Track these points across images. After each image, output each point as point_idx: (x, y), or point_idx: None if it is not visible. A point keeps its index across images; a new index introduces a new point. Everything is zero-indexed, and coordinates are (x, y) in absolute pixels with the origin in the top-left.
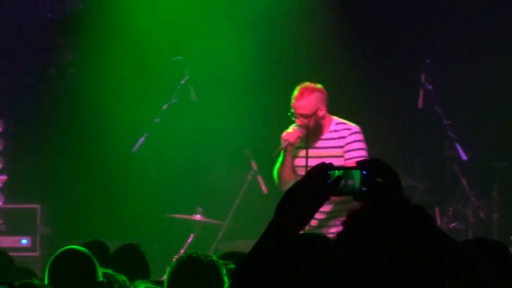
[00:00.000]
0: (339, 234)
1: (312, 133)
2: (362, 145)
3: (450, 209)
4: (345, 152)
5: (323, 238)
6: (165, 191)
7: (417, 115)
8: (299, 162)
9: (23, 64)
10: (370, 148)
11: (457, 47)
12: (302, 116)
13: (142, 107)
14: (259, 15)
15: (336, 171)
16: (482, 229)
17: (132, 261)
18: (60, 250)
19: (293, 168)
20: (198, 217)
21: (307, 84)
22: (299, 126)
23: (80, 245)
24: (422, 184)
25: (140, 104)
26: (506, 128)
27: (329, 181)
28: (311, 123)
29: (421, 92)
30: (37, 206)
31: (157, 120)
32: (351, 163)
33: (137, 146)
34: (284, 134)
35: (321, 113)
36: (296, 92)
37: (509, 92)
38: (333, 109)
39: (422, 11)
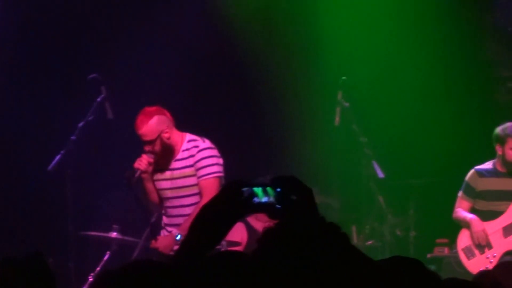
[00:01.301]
0: (254, 251)
1: (163, 156)
2: (212, 160)
3: (367, 227)
4: (196, 170)
5: (238, 256)
6: (81, 208)
7: (333, 133)
8: (158, 185)
9: None
10: (289, 165)
11: (372, 64)
12: (147, 142)
13: (58, 124)
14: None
15: (252, 188)
16: (399, 247)
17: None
18: None
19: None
20: (114, 234)
21: (146, 109)
22: (148, 152)
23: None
24: (338, 201)
25: (57, 121)
26: (422, 146)
27: (243, 198)
28: (157, 147)
29: (337, 110)
30: None
31: (73, 137)
32: (203, 181)
33: (53, 164)
34: (135, 162)
35: (166, 135)
36: (136, 121)
37: (425, 110)
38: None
39: (337, 29)
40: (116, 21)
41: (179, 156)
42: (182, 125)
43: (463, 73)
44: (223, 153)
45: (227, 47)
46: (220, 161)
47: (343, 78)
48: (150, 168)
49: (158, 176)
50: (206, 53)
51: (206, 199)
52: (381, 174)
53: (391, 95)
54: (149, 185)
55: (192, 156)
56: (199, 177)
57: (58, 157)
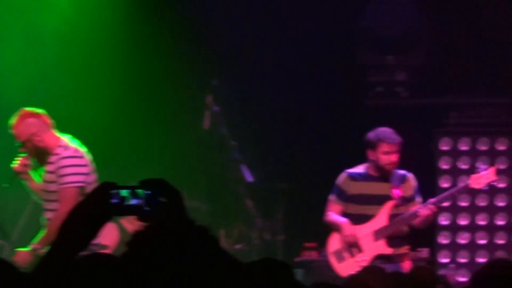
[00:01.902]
0: (123, 254)
1: (37, 159)
2: (72, 170)
3: (235, 230)
4: (57, 177)
5: (106, 258)
6: None
7: (202, 136)
8: (40, 186)
9: None
10: (158, 169)
11: (244, 68)
12: (21, 143)
13: None
14: None
15: (121, 190)
16: (267, 251)
17: None
18: None
19: None
20: None
21: (22, 111)
22: (22, 153)
23: None
24: (207, 205)
25: None
26: (290, 149)
27: (112, 200)
28: (29, 149)
29: (207, 114)
30: None
31: None
32: (61, 189)
33: None
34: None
35: (37, 138)
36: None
37: (295, 113)
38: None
39: (209, 31)
40: None
41: (50, 160)
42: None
43: (334, 77)
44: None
45: (99, 48)
46: (83, 170)
47: (214, 81)
48: (26, 169)
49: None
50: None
51: (62, 208)
52: (249, 178)
53: (261, 99)
54: (32, 185)
55: (56, 163)
56: (58, 185)
57: None
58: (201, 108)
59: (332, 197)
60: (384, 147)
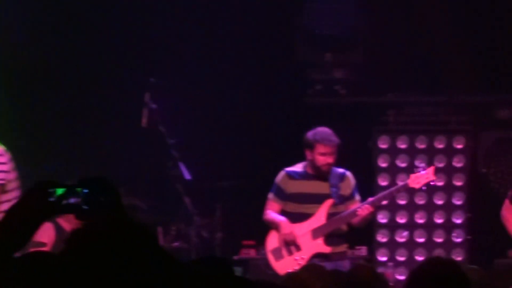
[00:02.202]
0: (61, 252)
1: None
2: None
3: (173, 228)
4: None
5: (44, 256)
6: None
7: (140, 134)
8: None
9: None
10: (96, 166)
11: (183, 66)
12: None
13: None
14: None
15: (58, 189)
16: (205, 249)
17: None
18: None
19: None
20: None
21: None
22: None
23: None
24: (145, 203)
25: None
26: (230, 147)
27: (50, 199)
28: None
29: (145, 111)
30: None
31: None
32: None
33: None
34: None
35: None
36: None
37: (232, 111)
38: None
39: (146, 29)
40: None
41: None
42: None
43: (273, 75)
44: (24, 154)
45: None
46: (2, 167)
47: (152, 79)
48: None
49: None
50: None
51: None
52: (187, 176)
53: (199, 97)
54: None
55: None
56: None
57: None
58: (139, 106)
59: (271, 196)
60: (321, 149)
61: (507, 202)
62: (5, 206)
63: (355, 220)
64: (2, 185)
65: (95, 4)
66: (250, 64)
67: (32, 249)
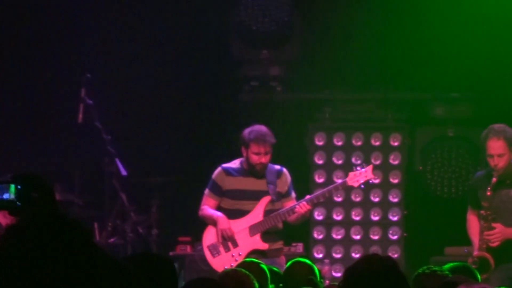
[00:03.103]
0: None
1: None
2: None
3: (109, 224)
4: None
5: None
6: None
7: (76, 129)
8: None
9: None
10: (31, 162)
11: (118, 62)
12: None
13: None
14: None
15: None
16: (141, 245)
17: None
18: None
19: None
20: None
21: None
22: None
23: None
24: (81, 198)
25: None
26: (165, 144)
27: None
28: None
29: (81, 107)
30: None
31: None
32: None
33: None
34: None
35: None
36: None
37: (169, 107)
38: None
39: (82, 24)
40: None
41: None
42: None
43: (208, 71)
44: None
45: None
46: None
47: (88, 75)
48: None
49: None
50: None
51: None
52: (124, 172)
53: (135, 93)
54: None
55: None
56: None
57: None
58: (75, 102)
59: (207, 191)
60: (255, 148)
61: (469, 207)
62: None
63: (292, 217)
64: None
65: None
66: (186, 60)
67: None
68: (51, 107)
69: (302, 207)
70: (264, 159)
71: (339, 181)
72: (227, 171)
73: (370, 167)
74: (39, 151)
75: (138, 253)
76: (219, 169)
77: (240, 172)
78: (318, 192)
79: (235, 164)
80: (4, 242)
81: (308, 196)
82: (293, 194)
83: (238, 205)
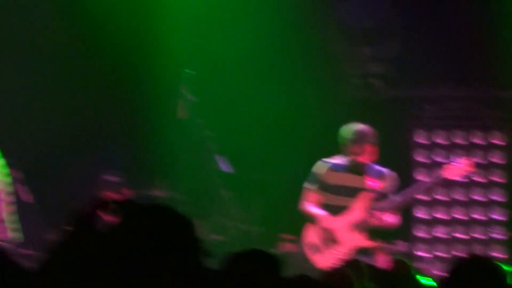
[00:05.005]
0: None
1: None
2: None
3: (211, 220)
4: None
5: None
6: None
7: (178, 126)
8: None
9: None
10: (135, 159)
11: (218, 58)
12: None
13: None
14: None
15: None
16: (243, 242)
17: None
18: None
19: None
20: None
21: None
22: None
23: None
24: (183, 195)
25: None
26: (269, 141)
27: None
28: None
29: (181, 103)
30: None
31: None
32: None
33: None
34: None
35: None
36: None
37: (271, 105)
38: None
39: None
40: None
41: None
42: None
43: (308, 69)
44: (72, 147)
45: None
46: None
47: (187, 70)
48: None
49: None
50: (49, 46)
51: None
52: (226, 168)
53: (238, 90)
54: None
55: None
56: None
57: None
58: (176, 97)
59: (309, 186)
60: (356, 147)
61: None
62: None
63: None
64: None
65: None
66: (288, 58)
67: None
68: (152, 103)
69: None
70: (365, 158)
71: (437, 175)
72: (332, 166)
73: (468, 161)
74: (142, 148)
75: (247, 249)
76: (322, 164)
77: (342, 168)
78: (415, 186)
79: (337, 160)
80: (119, 231)
81: (407, 190)
82: (396, 198)
83: (339, 201)
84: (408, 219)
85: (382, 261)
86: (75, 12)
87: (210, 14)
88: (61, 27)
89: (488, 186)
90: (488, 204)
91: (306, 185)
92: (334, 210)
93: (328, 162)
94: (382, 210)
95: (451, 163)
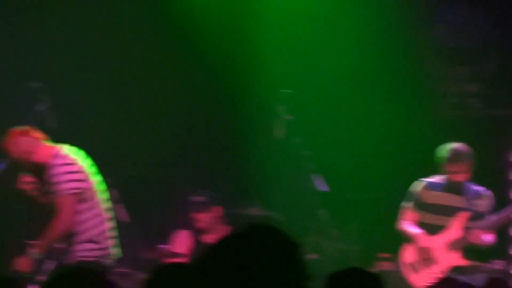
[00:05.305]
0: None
1: (37, 173)
2: (65, 177)
3: (309, 240)
4: (51, 186)
5: (182, 268)
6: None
7: (275, 146)
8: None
9: None
10: (231, 179)
11: (314, 78)
12: (18, 162)
13: None
14: None
15: None
16: (340, 261)
17: None
18: None
19: None
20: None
21: (10, 132)
22: (24, 171)
23: None
24: (280, 214)
25: None
26: (367, 160)
27: None
28: (28, 167)
29: (278, 123)
30: None
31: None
32: (57, 198)
33: None
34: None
35: (30, 155)
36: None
37: (369, 124)
38: None
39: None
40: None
41: (47, 172)
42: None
43: (407, 88)
44: (166, 166)
45: (166, 55)
46: (76, 176)
47: (284, 90)
48: (31, 186)
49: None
50: (145, 65)
51: (59, 216)
52: (322, 187)
53: (334, 108)
54: (41, 200)
55: (49, 172)
56: (55, 193)
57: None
58: (272, 117)
59: (407, 205)
60: (452, 166)
61: None
62: (85, 215)
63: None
64: (79, 194)
65: None
66: (389, 78)
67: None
68: (249, 122)
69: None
70: (462, 177)
71: None
72: (429, 185)
73: None
74: (239, 167)
75: (347, 268)
76: (420, 183)
77: (439, 187)
78: (509, 208)
79: (435, 179)
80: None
81: (504, 211)
82: (492, 217)
83: (438, 220)
84: (504, 238)
85: (479, 280)
86: (172, 29)
87: (307, 33)
88: (159, 46)
89: None
90: None
91: (404, 204)
92: (431, 229)
93: (425, 181)
94: (479, 229)
95: None
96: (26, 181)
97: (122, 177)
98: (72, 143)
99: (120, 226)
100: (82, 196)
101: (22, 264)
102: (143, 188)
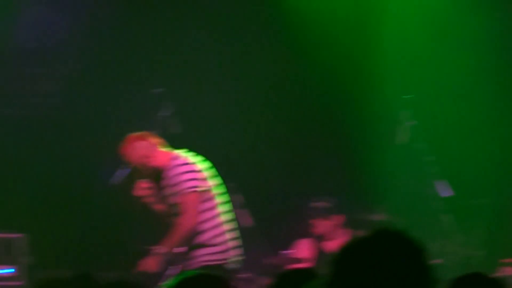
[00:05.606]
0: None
1: (155, 178)
2: (187, 176)
3: (433, 245)
4: (174, 187)
5: (308, 273)
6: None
7: (398, 151)
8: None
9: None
10: (354, 184)
11: (436, 82)
12: (136, 168)
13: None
14: None
15: None
16: (464, 266)
17: None
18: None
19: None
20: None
21: (127, 137)
22: (141, 177)
23: (68, 277)
24: (404, 220)
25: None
26: (489, 164)
27: None
28: (146, 172)
29: (402, 128)
30: (21, 235)
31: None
32: (180, 196)
33: (117, 176)
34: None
35: (148, 159)
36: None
37: (496, 128)
38: None
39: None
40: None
41: (165, 175)
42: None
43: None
44: (290, 170)
45: (287, 64)
46: (197, 175)
47: (407, 96)
48: (148, 192)
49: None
50: (267, 71)
51: (185, 213)
52: (447, 193)
53: (458, 113)
54: (156, 207)
55: (170, 174)
56: (177, 194)
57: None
58: (395, 123)
59: None
60: None
61: None
62: (206, 215)
63: None
64: (202, 192)
65: None
66: (509, 78)
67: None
68: (369, 128)
69: None
70: None
71: None
72: None
73: None
74: (358, 172)
75: (470, 273)
76: None
77: None
78: None
79: None
80: (340, 263)
81: None
82: None
83: None
84: None
85: None
86: (296, 37)
87: (429, 37)
88: (280, 51)
89: None
90: None
91: None
92: None
93: None
94: None
95: None
96: (143, 187)
97: (247, 183)
98: (196, 149)
99: (244, 231)
100: (204, 195)
101: (149, 264)
102: (267, 194)
